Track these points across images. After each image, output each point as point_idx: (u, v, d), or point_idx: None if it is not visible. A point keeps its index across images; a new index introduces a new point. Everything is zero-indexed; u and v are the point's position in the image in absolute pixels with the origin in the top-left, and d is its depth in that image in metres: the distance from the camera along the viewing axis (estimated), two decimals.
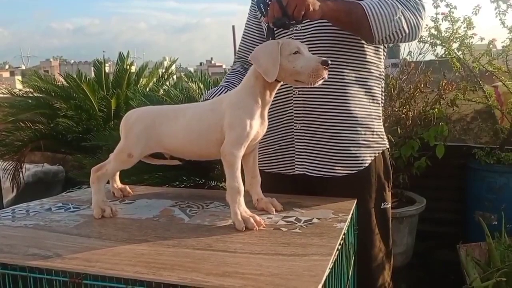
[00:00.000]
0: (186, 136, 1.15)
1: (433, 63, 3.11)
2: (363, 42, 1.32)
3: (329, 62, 1.03)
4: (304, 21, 1.19)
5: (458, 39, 2.79)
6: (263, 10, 1.20)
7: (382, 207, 1.39)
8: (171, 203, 1.28)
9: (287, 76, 1.07)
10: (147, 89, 3.12)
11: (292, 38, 1.32)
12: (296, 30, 1.33)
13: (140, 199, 1.34)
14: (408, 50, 3.01)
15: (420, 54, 2.99)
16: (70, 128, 2.94)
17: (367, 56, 1.35)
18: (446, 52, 2.88)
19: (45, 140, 3.00)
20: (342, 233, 1.00)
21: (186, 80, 2.39)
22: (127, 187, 1.40)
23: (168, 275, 0.80)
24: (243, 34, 1.58)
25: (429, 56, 3.16)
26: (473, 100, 2.81)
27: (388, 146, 1.45)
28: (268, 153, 1.42)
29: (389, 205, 1.42)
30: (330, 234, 0.99)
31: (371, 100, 1.38)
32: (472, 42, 2.78)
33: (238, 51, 1.60)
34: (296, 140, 1.36)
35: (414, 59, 3.08)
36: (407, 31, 1.23)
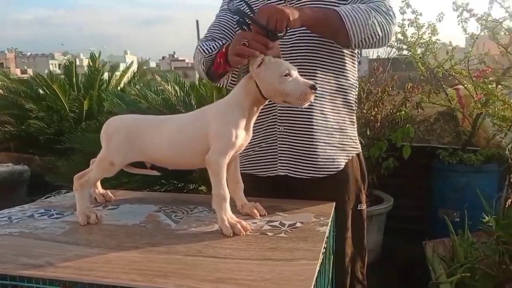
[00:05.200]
0: (170, 147, 1.17)
1: (399, 62, 3.24)
2: (343, 51, 1.38)
3: (317, 87, 1.09)
4: (288, 31, 1.23)
5: (424, 44, 2.92)
6: (245, 29, 1.22)
7: (358, 208, 1.46)
8: (155, 208, 1.30)
9: (276, 95, 1.10)
10: (118, 89, 3.08)
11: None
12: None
13: (123, 204, 1.35)
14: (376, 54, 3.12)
15: (387, 58, 3.10)
16: (42, 130, 2.86)
17: (346, 65, 1.41)
18: (412, 57, 3.00)
19: (15, 142, 2.91)
20: (326, 236, 1.05)
21: (162, 82, 2.38)
22: (109, 192, 1.41)
23: (164, 282, 0.83)
24: (216, 23, 1.53)
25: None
26: (437, 103, 2.95)
27: (360, 150, 1.52)
28: (250, 154, 1.45)
29: (365, 206, 1.49)
30: (314, 238, 1.04)
31: (346, 107, 1.45)
32: (436, 48, 2.92)
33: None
34: (279, 142, 1.41)
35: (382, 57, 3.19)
36: (380, 34, 1.29)
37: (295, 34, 1.36)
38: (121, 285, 0.84)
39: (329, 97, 1.39)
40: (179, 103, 2.19)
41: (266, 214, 1.21)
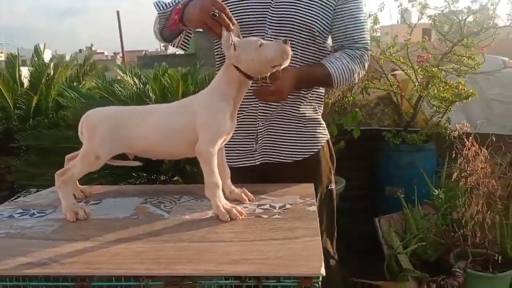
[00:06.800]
0: (156, 137, 1.17)
1: None
2: (316, 42, 1.45)
3: (287, 39, 1.14)
4: None
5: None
6: None
7: (329, 188, 1.57)
8: (140, 200, 1.30)
9: (262, 67, 1.13)
10: (64, 82, 2.95)
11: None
12: (267, 36, 1.40)
13: (105, 198, 1.33)
14: None
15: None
16: None
17: (318, 57, 1.49)
18: None
19: None
20: (317, 215, 1.13)
21: (121, 74, 2.32)
22: (87, 187, 1.38)
23: (181, 268, 0.86)
24: None
25: None
26: (381, 88, 3.14)
27: (329, 136, 1.62)
28: (229, 147, 1.49)
29: (334, 186, 1.60)
30: (308, 217, 1.11)
31: (317, 100, 1.56)
32: (379, 37, 3.10)
33: None
34: (259, 135, 1.48)
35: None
36: (355, 81, 1.54)
37: (270, 28, 1.40)
38: (138, 274, 0.85)
39: (303, 93, 1.48)
40: (140, 94, 2.15)
41: (254, 198, 1.26)
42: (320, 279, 0.82)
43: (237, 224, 1.08)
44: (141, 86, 2.25)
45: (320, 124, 1.57)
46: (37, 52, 3.11)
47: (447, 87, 2.64)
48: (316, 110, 1.55)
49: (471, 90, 2.68)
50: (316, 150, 1.53)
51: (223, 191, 1.20)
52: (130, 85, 2.26)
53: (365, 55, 1.48)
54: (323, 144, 1.56)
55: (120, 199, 1.32)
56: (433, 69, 2.67)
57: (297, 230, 1.03)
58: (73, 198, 1.20)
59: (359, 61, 1.46)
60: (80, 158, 1.21)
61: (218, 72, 1.21)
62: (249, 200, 1.24)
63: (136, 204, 1.26)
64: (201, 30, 1.47)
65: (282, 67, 1.15)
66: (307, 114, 1.51)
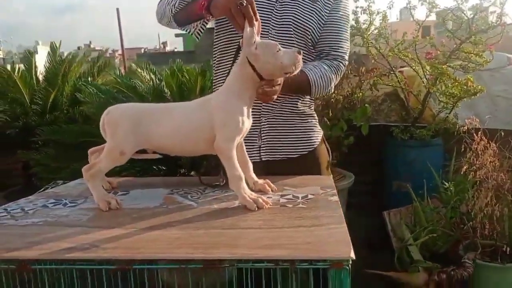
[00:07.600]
0: (175, 135, 1.21)
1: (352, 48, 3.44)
2: (307, 52, 1.51)
3: (301, 50, 1.20)
4: None
5: (376, 30, 3.13)
6: None
7: None
8: (167, 191, 1.35)
9: (276, 71, 1.19)
10: (78, 77, 3.01)
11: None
12: (271, 36, 1.46)
13: (132, 189, 1.38)
14: None
15: None
16: (10, 124, 2.71)
17: (310, 57, 1.55)
18: (364, 41, 3.20)
19: None
20: (339, 204, 1.18)
21: (140, 70, 2.37)
22: (113, 179, 1.43)
23: (218, 252, 0.91)
24: None
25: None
26: (390, 84, 3.19)
27: (323, 133, 1.70)
28: None
29: (331, 176, 1.66)
30: (331, 206, 1.16)
31: (309, 97, 1.61)
32: (388, 33, 3.15)
33: None
34: (262, 131, 1.53)
35: None
36: (332, 91, 1.61)
37: (281, 39, 1.44)
38: (180, 258, 0.90)
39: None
40: (159, 89, 2.21)
41: (277, 189, 1.31)
42: (350, 262, 0.87)
43: (264, 213, 1.12)
44: (157, 82, 2.31)
45: (316, 119, 1.65)
46: (53, 48, 3.17)
47: (456, 83, 2.69)
48: (310, 107, 1.62)
49: (479, 87, 2.72)
50: (317, 143, 1.61)
51: (247, 182, 1.25)
52: (147, 80, 2.32)
53: (342, 65, 1.55)
54: (320, 137, 1.64)
55: (148, 190, 1.37)
56: (442, 66, 2.72)
57: (322, 218, 1.08)
58: (103, 189, 1.25)
59: (335, 71, 1.53)
60: (105, 154, 1.24)
61: (232, 69, 1.25)
62: (272, 190, 1.30)
63: (164, 194, 1.32)
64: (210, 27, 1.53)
65: (292, 75, 1.21)
66: (306, 110, 1.58)
